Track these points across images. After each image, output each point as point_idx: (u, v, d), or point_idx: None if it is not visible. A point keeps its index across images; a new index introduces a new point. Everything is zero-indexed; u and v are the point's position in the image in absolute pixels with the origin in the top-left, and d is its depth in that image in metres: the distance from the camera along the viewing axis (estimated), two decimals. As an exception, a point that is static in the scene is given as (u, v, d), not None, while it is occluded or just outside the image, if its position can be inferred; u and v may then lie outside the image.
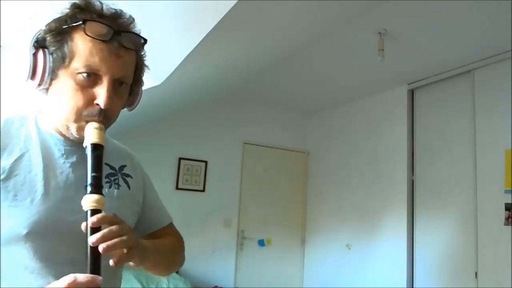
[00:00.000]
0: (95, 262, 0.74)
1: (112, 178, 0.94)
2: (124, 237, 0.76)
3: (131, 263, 0.81)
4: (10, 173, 0.81)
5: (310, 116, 5.32)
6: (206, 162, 4.75)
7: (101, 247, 0.72)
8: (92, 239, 0.73)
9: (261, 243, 4.90)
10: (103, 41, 0.81)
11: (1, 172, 0.80)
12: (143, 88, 1.00)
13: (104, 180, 0.91)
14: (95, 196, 0.76)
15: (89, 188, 0.77)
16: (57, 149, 0.88)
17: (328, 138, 5.02)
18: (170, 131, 4.68)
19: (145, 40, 0.88)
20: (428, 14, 2.76)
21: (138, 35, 0.88)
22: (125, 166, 1.00)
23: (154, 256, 0.90)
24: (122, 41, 0.83)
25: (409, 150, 3.92)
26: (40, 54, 0.83)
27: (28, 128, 0.88)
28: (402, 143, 3.94)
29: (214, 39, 2.37)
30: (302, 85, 4.30)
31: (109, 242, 0.73)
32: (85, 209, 0.76)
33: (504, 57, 3.16)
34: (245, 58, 3.27)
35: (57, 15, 0.85)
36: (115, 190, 0.93)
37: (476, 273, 3.16)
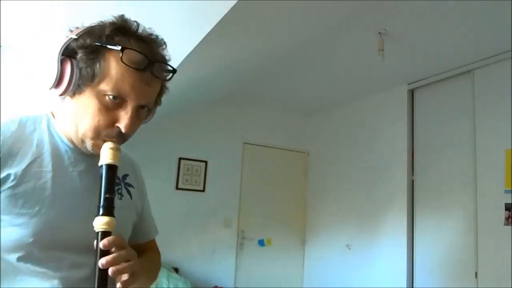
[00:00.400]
0: (102, 283, 0.76)
1: (116, 188, 0.93)
2: (132, 262, 0.79)
3: (118, 286, 0.82)
4: (21, 179, 0.80)
5: (310, 116, 5.32)
6: (206, 162, 4.75)
7: (110, 270, 0.75)
8: (102, 261, 0.75)
9: (261, 243, 4.90)
10: (136, 69, 0.80)
11: (12, 178, 0.79)
12: None
13: None
14: (107, 219, 0.78)
15: (101, 210, 0.78)
16: (67, 156, 0.88)
17: (328, 138, 5.02)
18: (170, 131, 4.68)
19: (175, 71, 0.88)
20: (428, 14, 2.76)
21: (170, 66, 0.88)
22: (127, 175, 1.00)
23: (142, 277, 0.90)
24: (154, 71, 0.83)
25: (409, 150, 3.92)
26: (69, 65, 0.81)
27: (41, 132, 0.88)
28: (402, 143, 3.94)
29: (214, 39, 2.37)
30: (302, 85, 4.30)
31: (119, 267, 0.76)
32: (96, 230, 0.78)
33: (504, 57, 3.16)
34: (245, 58, 3.27)
35: (90, 26, 0.84)
36: (118, 201, 0.93)
37: (476, 273, 3.16)
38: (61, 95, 0.84)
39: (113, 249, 0.78)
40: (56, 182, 0.84)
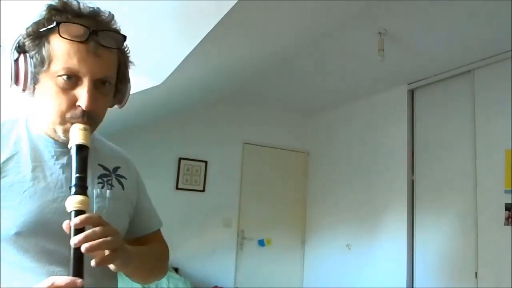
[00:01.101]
0: (78, 263, 0.73)
1: (105, 179, 0.94)
2: (108, 238, 0.75)
3: (111, 266, 0.80)
4: None
5: (310, 116, 5.32)
6: (206, 162, 4.75)
7: (83, 247, 0.72)
8: (74, 240, 0.72)
9: (261, 243, 4.90)
10: (80, 42, 0.80)
11: None
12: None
13: (96, 180, 0.92)
14: (79, 197, 0.76)
15: (73, 189, 0.77)
16: (48, 151, 0.88)
17: (328, 138, 5.02)
18: (170, 131, 4.68)
19: (124, 37, 0.87)
20: (428, 14, 2.76)
21: (117, 32, 0.86)
22: (119, 167, 1.00)
23: (137, 261, 0.88)
24: (100, 40, 0.81)
25: (409, 150, 3.92)
26: (21, 59, 0.83)
27: (18, 131, 0.89)
28: (402, 143, 3.94)
29: (214, 39, 2.37)
30: (302, 85, 4.30)
31: (92, 243, 0.72)
32: (68, 210, 0.75)
33: (504, 57, 3.16)
34: (245, 58, 3.27)
35: (36, 18, 0.85)
36: (108, 190, 0.93)
37: (476, 273, 3.16)
38: (23, 90, 0.84)
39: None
40: (36, 176, 0.84)
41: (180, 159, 4.64)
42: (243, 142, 5.01)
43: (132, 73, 0.97)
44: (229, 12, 2.01)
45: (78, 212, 0.75)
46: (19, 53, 0.84)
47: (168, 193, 4.53)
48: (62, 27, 0.79)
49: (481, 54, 3.26)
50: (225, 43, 2.64)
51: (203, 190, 4.71)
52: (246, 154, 5.01)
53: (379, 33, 2.98)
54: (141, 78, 2.60)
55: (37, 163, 0.86)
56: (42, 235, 0.81)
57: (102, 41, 0.82)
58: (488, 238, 3.13)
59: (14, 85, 0.84)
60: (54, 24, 0.80)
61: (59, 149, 0.89)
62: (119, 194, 0.96)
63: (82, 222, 0.74)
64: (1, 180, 0.81)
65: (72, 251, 0.73)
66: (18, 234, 0.79)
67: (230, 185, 4.86)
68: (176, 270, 4.25)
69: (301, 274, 5.02)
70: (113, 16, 0.88)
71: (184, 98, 4.17)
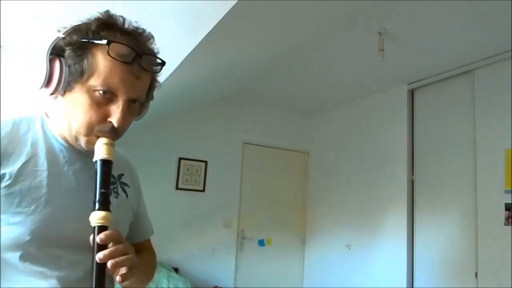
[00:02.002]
0: (100, 277, 0.76)
1: (112, 187, 0.94)
2: (130, 256, 0.79)
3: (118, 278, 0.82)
4: (17, 178, 0.81)
5: (310, 116, 5.32)
6: (206, 162, 4.74)
7: (110, 263, 0.75)
8: (100, 255, 0.75)
9: (261, 243, 4.90)
10: (124, 62, 0.81)
11: (8, 177, 0.80)
12: None
13: None
14: (103, 213, 0.78)
15: (97, 205, 0.79)
16: (62, 155, 0.88)
17: (328, 138, 5.02)
18: (170, 131, 4.68)
19: (164, 63, 0.89)
20: (428, 14, 2.76)
21: (158, 57, 0.88)
22: (123, 174, 1.01)
23: (138, 274, 0.90)
24: (142, 63, 0.83)
25: (409, 150, 3.91)
26: (57, 63, 0.82)
27: (35, 132, 0.88)
28: (402, 143, 3.94)
29: (214, 39, 2.37)
30: (302, 85, 4.30)
31: (117, 260, 0.77)
32: (92, 225, 0.78)
33: (504, 57, 3.16)
34: (245, 58, 3.27)
35: (76, 23, 0.84)
36: (115, 199, 0.93)
37: (476, 273, 3.16)
38: (51, 94, 0.84)
39: (110, 244, 0.78)
40: (52, 181, 0.84)
41: (180, 159, 4.64)
42: (243, 142, 5.00)
43: (157, 85, 0.98)
44: (229, 12, 2.01)
45: (102, 228, 0.78)
46: (54, 56, 0.82)
47: (168, 193, 4.53)
48: (111, 46, 0.80)
49: (481, 54, 3.26)
50: (225, 43, 2.64)
51: (203, 190, 4.71)
52: (246, 154, 5.01)
53: (379, 33, 2.98)
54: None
55: (52, 168, 0.86)
56: (53, 242, 0.82)
57: (144, 65, 0.84)
58: (488, 238, 3.13)
59: (43, 87, 0.83)
60: (105, 41, 0.80)
61: (72, 155, 0.89)
62: (124, 203, 0.97)
63: (106, 238, 0.77)
64: (19, 184, 0.81)
65: (95, 265, 0.76)
66: (31, 240, 0.79)
67: (230, 185, 4.86)
68: (176, 270, 4.25)
69: (301, 274, 5.02)
70: (152, 36, 0.90)
71: (184, 98, 4.17)
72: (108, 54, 0.80)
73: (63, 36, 0.82)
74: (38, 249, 0.80)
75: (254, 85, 4.37)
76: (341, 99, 4.67)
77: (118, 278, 0.78)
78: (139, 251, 1.02)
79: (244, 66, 3.56)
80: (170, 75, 2.75)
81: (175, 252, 4.39)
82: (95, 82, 0.81)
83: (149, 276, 1.06)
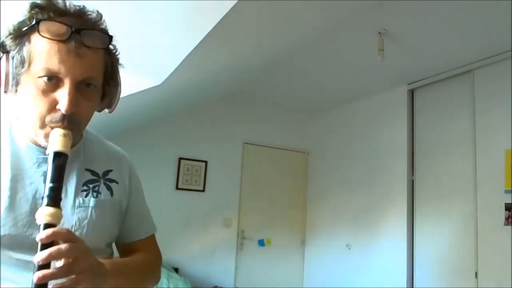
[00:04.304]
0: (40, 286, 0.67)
1: (91, 186, 0.89)
2: (70, 260, 0.69)
3: None
4: None
5: (310, 116, 5.32)
6: (206, 162, 4.74)
7: (35, 277, 0.65)
8: (36, 257, 0.66)
9: (261, 243, 4.90)
10: (60, 41, 0.75)
11: None
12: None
13: (80, 188, 0.87)
14: (50, 209, 0.70)
15: (45, 200, 0.70)
16: (29, 158, 0.84)
17: (328, 138, 5.02)
18: (170, 131, 4.67)
19: (111, 37, 0.82)
20: (428, 14, 2.76)
21: (102, 32, 0.81)
22: (110, 170, 0.95)
23: (114, 279, 0.81)
24: (82, 39, 0.76)
25: (409, 150, 3.91)
26: (3, 59, 0.78)
27: (2, 137, 0.85)
28: (402, 143, 3.94)
29: (214, 39, 2.37)
30: (302, 85, 4.30)
31: (46, 272, 0.66)
32: (38, 223, 0.69)
33: (504, 57, 3.16)
34: (245, 58, 3.27)
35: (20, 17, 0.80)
36: (92, 199, 0.88)
37: (476, 273, 3.16)
38: (5, 92, 0.80)
39: (61, 242, 0.70)
40: (16, 186, 0.80)
41: (180, 159, 4.64)
42: (243, 142, 5.00)
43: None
44: (229, 12, 2.01)
45: (47, 226, 0.69)
46: (2, 53, 0.79)
47: (168, 193, 4.53)
48: (42, 25, 0.75)
49: (481, 54, 3.26)
50: (225, 43, 2.64)
51: (203, 190, 4.71)
52: (246, 154, 5.01)
53: (379, 33, 2.98)
54: (141, 78, 2.60)
55: (17, 171, 0.82)
56: (17, 248, 0.78)
57: (85, 41, 0.77)
58: (488, 238, 3.13)
59: None
60: (34, 22, 0.75)
61: (42, 156, 0.84)
62: (106, 202, 0.91)
63: (48, 237, 0.67)
64: None
65: (35, 268, 0.67)
66: None
67: (230, 185, 4.86)
68: (176, 270, 4.25)
69: (301, 274, 5.02)
70: (101, 15, 0.83)
71: (184, 98, 4.17)
72: (39, 33, 0.74)
73: (7, 30, 0.79)
74: (4, 255, 0.77)
75: (254, 85, 4.37)
76: (341, 99, 4.67)
77: (66, 283, 0.68)
78: (131, 252, 0.97)
79: (244, 66, 3.56)
80: (170, 75, 2.75)
81: (175, 252, 4.39)
82: (36, 68, 0.76)
83: (143, 281, 0.97)
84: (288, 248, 5.03)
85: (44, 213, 0.69)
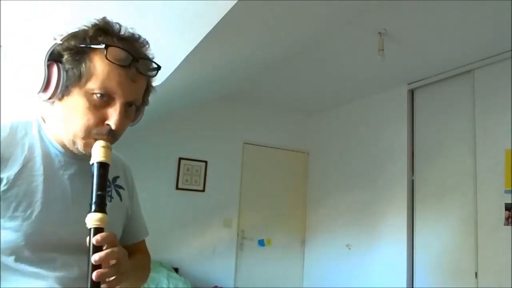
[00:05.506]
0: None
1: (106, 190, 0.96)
2: (121, 261, 0.80)
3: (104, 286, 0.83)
4: (14, 183, 0.82)
5: (310, 116, 5.32)
6: (206, 162, 4.75)
7: (95, 275, 0.76)
8: (95, 257, 0.76)
9: (261, 243, 4.90)
10: (121, 65, 0.83)
11: (5, 182, 0.81)
12: None
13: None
14: (99, 215, 0.79)
15: (93, 207, 0.79)
16: (57, 160, 0.89)
17: (328, 138, 5.02)
18: (170, 131, 4.68)
19: (159, 67, 0.91)
20: (428, 14, 2.76)
21: (154, 62, 0.90)
22: (118, 177, 1.02)
23: (130, 277, 0.90)
24: (139, 67, 0.85)
25: (409, 150, 3.92)
26: (55, 68, 0.84)
27: (32, 137, 0.89)
28: (402, 143, 3.94)
29: (214, 39, 2.37)
30: (302, 85, 4.30)
31: (103, 271, 0.77)
32: (88, 227, 0.78)
33: (504, 57, 3.16)
34: (245, 59, 3.27)
35: (75, 30, 0.86)
36: (108, 203, 0.93)
37: (476, 273, 3.16)
38: (49, 98, 0.85)
39: (105, 246, 0.79)
40: (47, 186, 0.85)
41: (180, 159, 4.64)
42: (243, 142, 5.01)
43: (153, 90, 0.99)
44: (228, 12, 2.01)
45: (98, 230, 0.78)
46: (52, 61, 0.84)
47: (168, 193, 4.54)
48: (109, 50, 0.82)
49: (481, 54, 3.26)
50: (225, 43, 2.64)
51: (203, 190, 4.71)
52: (246, 154, 5.01)
53: (379, 33, 2.98)
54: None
55: (48, 172, 0.87)
56: (49, 245, 0.83)
57: (141, 68, 0.86)
58: (488, 238, 3.13)
59: (41, 92, 0.85)
60: (102, 45, 0.82)
61: (68, 159, 0.90)
62: (117, 206, 0.99)
63: (102, 240, 0.78)
64: (16, 189, 0.82)
65: (91, 266, 0.76)
66: (26, 244, 0.80)
67: (230, 185, 4.86)
68: (176, 270, 4.25)
69: (301, 274, 5.02)
70: (148, 42, 0.92)
71: (184, 98, 4.17)
72: (106, 57, 0.82)
73: (61, 42, 0.84)
74: (33, 252, 0.81)
75: (254, 85, 4.37)
76: (341, 99, 4.67)
77: (110, 284, 0.79)
78: (133, 253, 1.03)
79: (244, 66, 3.56)
80: (170, 75, 2.75)
81: (175, 252, 4.39)
82: (93, 85, 0.82)
83: (142, 278, 1.06)
84: (288, 248, 5.03)
85: (93, 219, 0.78)
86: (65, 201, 0.87)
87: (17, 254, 0.80)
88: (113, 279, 0.79)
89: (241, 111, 5.04)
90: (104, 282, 0.78)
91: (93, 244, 0.77)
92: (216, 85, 4.13)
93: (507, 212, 3.00)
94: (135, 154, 4.15)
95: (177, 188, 4.60)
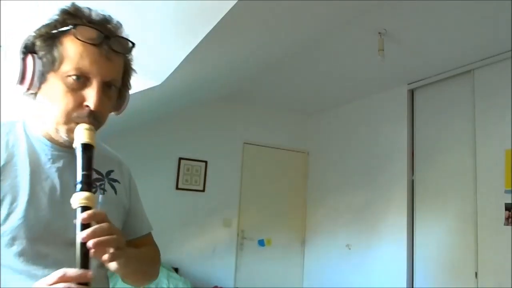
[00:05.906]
0: (85, 258, 0.74)
1: (98, 184, 0.95)
2: (114, 236, 0.77)
3: (111, 266, 0.81)
4: None
5: (310, 116, 5.32)
6: (206, 162, 4.75)
7: (91, 242, 0.73)
8: (82, 234, 0.73)
9: (261, 243, 4.90)
10: (93, 44, 0.83)
11: None
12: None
13: None
14: (86, 194, 0.76)
15: (79, 186, 0.77)
16: (44, 154, 0.89)
17: (328, 138, 5.02)
18: (170, 131, 4.68)
19: (133, 44, 0.90)
20: (428, 14, 2.76)
21: (127, 39, 0.90)
22: (112, 171, 1.01)
23: (135, 264, 0.90)
24: (111, 44, 0.85)
25: (409, 150, 3.92)
26: (29, 59, 0.84)
27: (16, 134, 0.89)
28: (402, 143, 3.94)
29: (214, 39, 2.37)
30: (303, 85, 4.30)
31: (100, 238, 0.74)
32: (74, 207, 0.76)
33: (504, 57, 3.16)
34: (245, 59, 3.27)
35: (46, 21, 0.87)
36: (100, 196, 0.94)
37: (476, 273, 3.16)
38: (28, 89, 0.85)
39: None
40: (33, 180, 0.85)
41: (180, 159, 4.64)
42: (243, 142, 5.01)
43: (133, 73, 0.98)
44: (228, 12, 2.01)
45: (85, 209, 0.75)
46: (26, 53, 0.85)
47: (168, 193, 4.54)
48: (78, 30, 0.82)
49: (481, 54, 3.26)
50: (225, 43, 2.64)
51: (203, 190, 4.71)
52: (246, 154, 5.01)
53: (379, 33, 2.98)
54: (141, 78, 2.60)
55: (34, 167, 0.86)
56: (37, 239, 0.82)
57: (114, 46, 0.85)
58: (488, 238, 3.13)
59: (18, 85, 0.85)
60: (70, 27, 0.83)
61: (56, 152, 0.90)
62: (111, 199, 0.97)
63: (89, 217, 0.75)
64: (1, 183, 0.81)
65: (78, 245, 0.74)
66: (13, 238, 0.79)
67: (230, 185, 4.86)
68: (176, 270, 4.25)
69: (301, 274, 5.02)
70: (121, 24, 0.91)
71: (184, 98, 4.17)
72: (76, 37, 0.82)
73: (34, 33, 0.85)
74: (22, 247, 0.80)
75: (254, 85, 4.37)
76: (341, 99, 4.67)
77: (105, 256, 0.76)
78: (138, 247, 1.03)
79: (244, 66, 3.56)
80: (170, 75, 2.75)
81: (175, 252, 4.39)
82: (67, 67, 0.82)
83: (151, 270, 1.06)
84: (288, 248, 5.03)
85: (80, 197, 0.76)
86: (53, 194, 0.86)
87: (6, 248, 0.79)
88: (109, 255, 0.77)
89: (241, 111, 5.04)
90: (99, 256, 0.76)
91: (82, 224, 0.74)
92: (216, 85, 4.13)
93: (507, 212, 3.00)
94: (135, 154, 4.16)
95: (177, 188, 4.60)
